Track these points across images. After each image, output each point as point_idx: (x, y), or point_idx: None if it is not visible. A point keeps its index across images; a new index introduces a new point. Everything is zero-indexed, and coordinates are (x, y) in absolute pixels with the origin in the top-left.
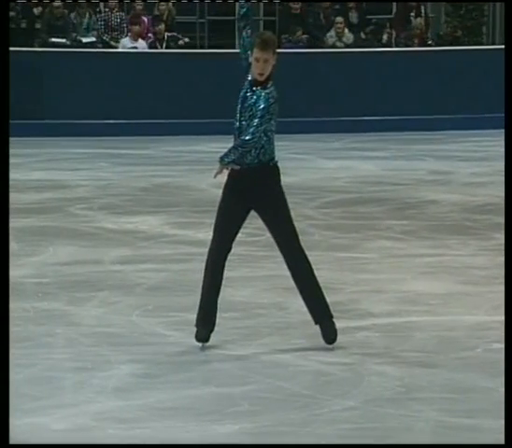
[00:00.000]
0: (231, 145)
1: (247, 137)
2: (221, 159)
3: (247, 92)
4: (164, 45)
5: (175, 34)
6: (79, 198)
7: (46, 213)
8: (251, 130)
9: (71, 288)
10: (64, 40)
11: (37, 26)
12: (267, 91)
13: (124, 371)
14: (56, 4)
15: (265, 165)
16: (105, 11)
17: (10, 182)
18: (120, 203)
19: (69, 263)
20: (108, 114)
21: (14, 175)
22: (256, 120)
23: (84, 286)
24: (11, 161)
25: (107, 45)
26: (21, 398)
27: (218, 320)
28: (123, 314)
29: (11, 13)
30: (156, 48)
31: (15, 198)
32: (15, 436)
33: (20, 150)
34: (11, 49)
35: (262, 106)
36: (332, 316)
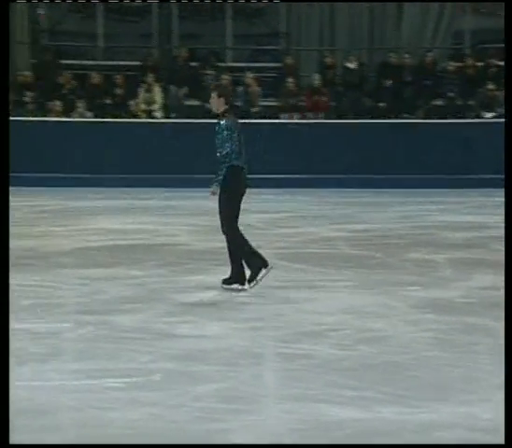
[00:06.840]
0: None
1: None
2: None
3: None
4: None
5: None
6: (498, 236)
7: (472, 247)
8: None
9: (493, 308)
10: None
11: None
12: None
13: None
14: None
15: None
16: None
17: (445, 224)
18: None
19: (489, 288)
20: None
21: (447, 217)
22: None
23: None
24: (443, 206)
25: None
26: None
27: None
28: None
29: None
30: None
31: (448, 236)
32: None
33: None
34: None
35: None
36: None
